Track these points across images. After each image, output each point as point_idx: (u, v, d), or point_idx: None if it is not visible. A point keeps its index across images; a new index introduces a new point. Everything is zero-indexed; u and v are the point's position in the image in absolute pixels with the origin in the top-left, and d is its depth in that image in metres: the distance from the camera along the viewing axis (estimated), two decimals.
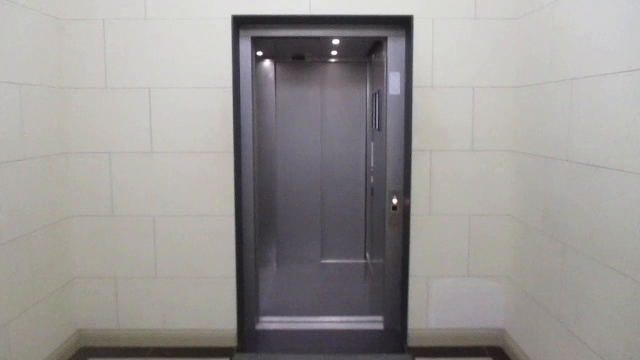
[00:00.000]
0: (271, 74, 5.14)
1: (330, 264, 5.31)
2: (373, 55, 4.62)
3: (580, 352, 2.37)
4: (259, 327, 3.62)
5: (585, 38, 2.32)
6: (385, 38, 3.36)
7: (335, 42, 4.45)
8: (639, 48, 1.94)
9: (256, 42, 3.43)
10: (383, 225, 3.53)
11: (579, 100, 2.37)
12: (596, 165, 2.22)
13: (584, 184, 2.33)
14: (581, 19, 2.36)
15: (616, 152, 2.07)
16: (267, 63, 5.14)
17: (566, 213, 2.50)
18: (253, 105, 3.40)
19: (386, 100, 3.37)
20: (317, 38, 3.40)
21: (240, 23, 3.28)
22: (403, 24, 3.29)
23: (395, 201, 3.40)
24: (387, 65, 3.36)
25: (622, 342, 2.05)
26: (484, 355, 3.25)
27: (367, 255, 5.24)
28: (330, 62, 5.23)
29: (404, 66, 3.32)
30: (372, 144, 4.77)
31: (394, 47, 3.34)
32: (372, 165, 4.76)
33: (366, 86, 5.19)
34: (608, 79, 2.13)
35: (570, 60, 2.46)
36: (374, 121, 4.45)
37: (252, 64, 3.38)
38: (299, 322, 3.71)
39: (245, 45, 3.35)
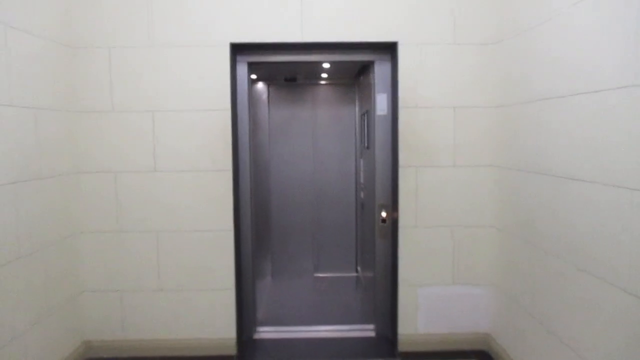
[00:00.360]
0: (265, 96, 5.38)
1: (323, 277, 5.49)
2: (361, 77, 4.87)
3: (558, 350, 2.59)
4: (257, 336, 3.80)
5: (553, 62, 2.59)
6: (373, 62, 3.61)
7: (326, 65, 4.71)
8: (601, 72, 2.20)
9: (251, 67, 3.67)
10: (373, 237, 3.74)
11: (550, 118, 2.62)
12: (568, 177, 2.46)
13: (557, 194, 2.57)
14: (550, 46, 2.62)
15: (586, 165, 2.32)
16: (260, 85, 5.38)
17: (543, 222, 2.74)
18: (249, 126, 3.63)
19: (374, 119, 3.62)
20: (309, 62, 3.65)
21: (238, 50, 3.52)
22: (389, 49, 3.54)
23: (384, 214, 3.63)
24: (374, 87, 3.61)
25: (596, 339, 2.27)
26: (470, 358, 3.45)
27: (359, 268, 5.44)
28: (320, 84, 5.49)
29: (390, 88, 3.57)
30: (361, 161, 5.00)
31: (380, 71, 3.59)
32: (362, 181, 4.98)
33: (355, 106, 5.44)
34: (575, 99, 2.39)
35: (541, 82, 2.72)
36: (363, 139, 4.69)
37: (248, 87, 3.61)
38: (294, 331, 3.89)
39: (242, 70, 3.58)
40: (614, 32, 2.09)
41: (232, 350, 3.51)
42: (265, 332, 3.85)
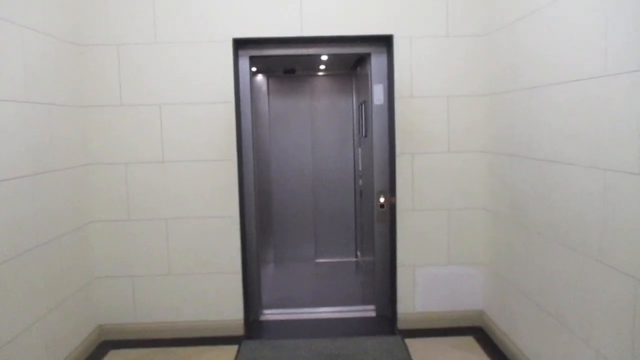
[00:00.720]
0: (264, 88, 5.54)
1: (324, 262, 5.68)
2: (358, 69, 5.02)
3: (543, 320, 2.78)
4: (263, 318, 3.99)
5: (538, 52, 2.75)
6: (369, 54, 3.77)
7: (324, 57, 4.86)
8: (576, 64, 2.36)
9: (252, 60, 3.81)
10: (372, 222, 3.92)
11: (536, 105, 2.79)
12: (550, 160, 2.64)
13: (542, 176, 2.75)
14: (534, 36, 2.79)
15: (566, 148, 2.49)
16: (260, 77, 5.54)
17: (528, 202, 2.92)
18: (252, 117, 3.79)
19: (371, 109, 3.78)
20: (308, 55, 3.81)
21: (240, 44, 3.67)
22: (385, 42, 3.70)
23: (382, 200, 3.80)
24: (371, 78, 3.77)
25: (574, 307, 2.46)
26: (465, 334, 3.64)
27: (358, 253, 5.62)
28: (319, 75, 5.64)
29: (386, 78, 3.73)
30: (359, 149, 5.16)
31: (377, 62, 3.75)
32: (360, 169, 5.15)
33: (352, 96, 5.60)
34: (558, 88, 2.55)
35: (528, 71, 2.89)
36: (360, 128, 4.85)
37: (250, 80, 3.76)
38: (298, 313, 4.07)
39: (244, 64, 3.74)
40: (588, 26, 2.25)
41: (240, 331, 3.70)
42: (271, 314, 4.04)
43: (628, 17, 2.00)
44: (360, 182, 5.10)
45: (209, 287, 3.67)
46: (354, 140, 5.61)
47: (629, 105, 2.00)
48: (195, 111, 3.54)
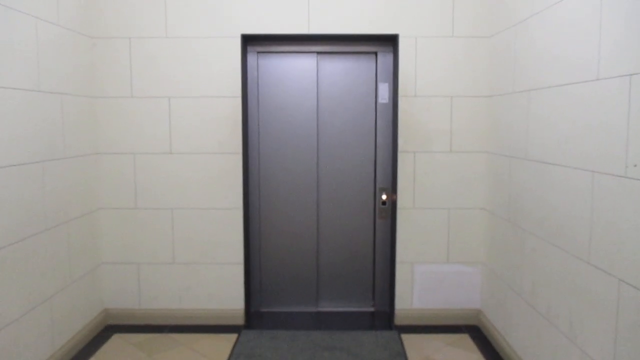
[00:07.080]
0: None
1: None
2: None
3: (535, 319, 2.82)
4: (264, 309, 4.07)
5: (536, 55, 2.79)
6: (376, 53, 3.82)
7: None
8: (575, 66, 2.40)
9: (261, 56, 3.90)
10: (374, 219, 3.98)
11: (534, 108, 2.83)
12: (546, 162, 2.68)
13: (537, 177, 2.79)
14: (533, 39, 2.82)
15: (558, 150, 2.53)
16: None
17: (523, 203, 2.96)
18: (258, 112, 3.87)
19: (376, 107, 3.83)
20: (315, 52, 3.87)
21: (248, 40, 3.75)
22: (390, 41, 3.75)
23: (384, 197, 3.86)
24: (377, 76, 3.82)
25: (563, 307, 2.50)
26: (461, 332, 3.68)
27: None
28: None
29: (391, 78, 3.78)
30: None
31: (383, 61, 3.80)
32: None
33: None
34: (553, 91, 2.59)
35: (527, 73, 2.92)
36: None
37: (257, 75, 3.84)
38: (299, 305, 4.14)
39: (252, 59, 3.81)
40: (582, 31, 2.28)
41: (240, 321, 3.78)
42: (272, 306, 4.11)
43: (619, 24, 2.04)
44: None
45: (211, 277, 3.77)
46: None
47: (617, 109, 2.04)
48: (203, 105, 3.63)
